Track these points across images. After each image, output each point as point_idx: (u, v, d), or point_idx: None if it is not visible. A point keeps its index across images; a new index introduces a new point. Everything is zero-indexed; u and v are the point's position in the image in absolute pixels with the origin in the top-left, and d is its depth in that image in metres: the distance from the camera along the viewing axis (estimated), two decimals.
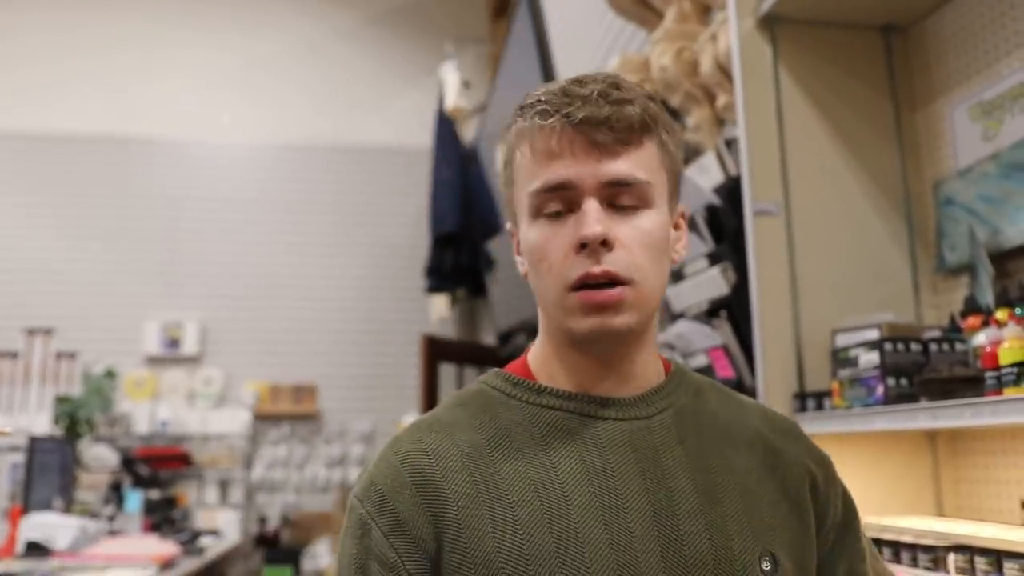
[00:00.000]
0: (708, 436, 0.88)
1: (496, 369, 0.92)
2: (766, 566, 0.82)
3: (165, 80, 6.45)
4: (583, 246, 0.80)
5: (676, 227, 0.90)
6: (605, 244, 0.80)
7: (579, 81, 0.84)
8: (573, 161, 0.81)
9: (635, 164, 0.83)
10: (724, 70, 2.20)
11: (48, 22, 6.43)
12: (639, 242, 0.82)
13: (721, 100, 2.28)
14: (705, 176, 2.17)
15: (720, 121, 2.40)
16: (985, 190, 1.73)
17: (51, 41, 6.38)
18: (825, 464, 0.94)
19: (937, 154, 1.91)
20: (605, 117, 0.81)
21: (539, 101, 0.84)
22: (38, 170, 6.28)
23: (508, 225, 0.93)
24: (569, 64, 4.04)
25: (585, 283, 0.81)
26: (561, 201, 0.82)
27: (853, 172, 1.92)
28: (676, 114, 2.71)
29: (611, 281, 0.81)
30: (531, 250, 0.84)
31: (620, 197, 0.82)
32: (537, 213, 0.84)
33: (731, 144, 2.14)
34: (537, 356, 0.91)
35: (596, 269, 0.80)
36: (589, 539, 0.78)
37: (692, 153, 2.46)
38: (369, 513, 0.81)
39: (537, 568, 0.76)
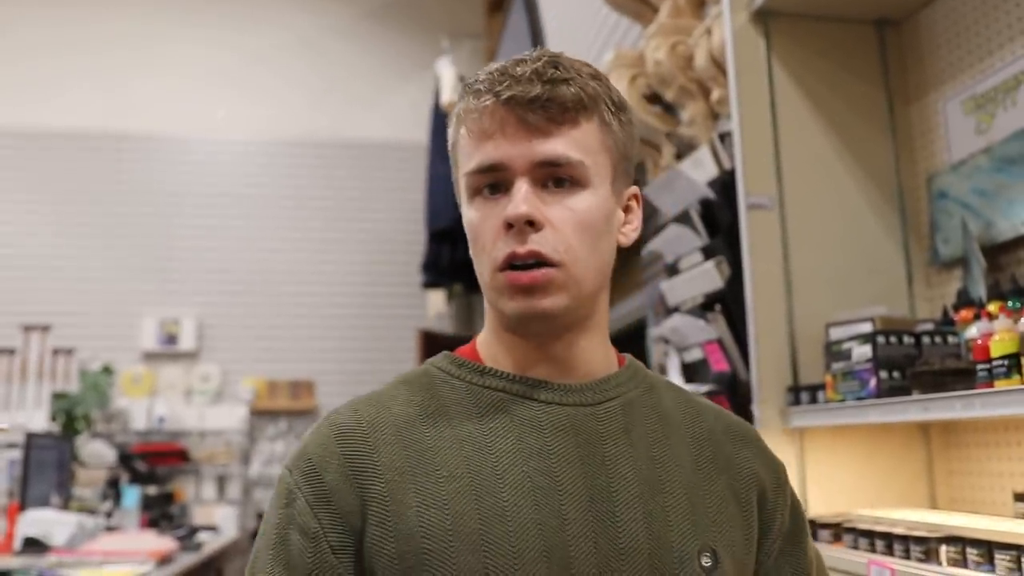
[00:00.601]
0: (656, 429, 0.86)
1: (446, 352, 0.91)
2: (706, 562, 0.80)
3: (161, 76, 6.44)
4: (510, 226, 0.79)
5: (626, 209, 0.88)
6: (532, 224, 0.79)
7: (519, 60, 0.83)
8: (504, 141, 0.80)
9: (569, 144, 0.80)
10: (718, 64, 2.21)
11: (45, 18, 6.42)
12: (571, 223, 0.80)
13: (715, 94, 2.28)
14: (700, 170, 2.17)
15: (715, 115, 2.40)
16: (978, 183, 1.74)
17: (48, 37, 6.37)
18: (777, 472, 0.92)
19: (930, 148, 1.91)
20: (535, 96, 0.79)
21: (476, 81, 0.83)
22: (35, 166, 6.28)
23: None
24: None
25: (512, 263, 0.79)
26: (494, 181, 0.81)
27: (847, 166, 1.92)
28: (671, 108, 2.72)
29: (538, 262, 0.79)
30: (468, 231, 0.84)
31: (553, 177, 0.81)
32: (473, 194, 0.83)
33: (725, 138, 2.14)
34: (483, 339, 0.90)
35: (521, 249, 0.79)
36: (516, 518, 0.76)
37: (687, 147, 2.46)
38: (296, 482, 0.80)
39: (459, 545, 0.75)
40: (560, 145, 0.80)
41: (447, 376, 0.87)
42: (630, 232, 0.89)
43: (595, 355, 0.87)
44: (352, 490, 0.78)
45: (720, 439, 0.90)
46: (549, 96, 0.80)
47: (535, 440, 0.81)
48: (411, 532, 0.76)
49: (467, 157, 0.83)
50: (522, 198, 0.79)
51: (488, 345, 0.88)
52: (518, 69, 0.81)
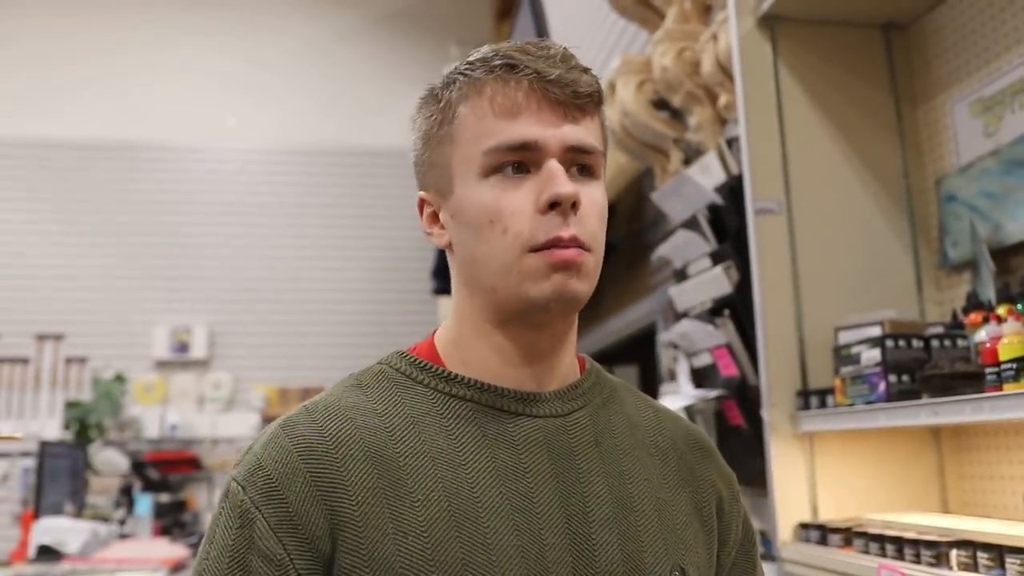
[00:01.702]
0: (624, 440, 0.84)
1: (399, 350, 0.85)
2: None
3: (170, 85, 6.48)
4: (553, 205, 0.75)
5: None
6: (574, 206, 0.76)
7: (535, 44, 0.79)
8: (534, 120, 0.77)
9: (591, 132, 0.80)
10: (725, 69, 2.21)
11: (55, 28, 6.47)
12: (594, 212, 0.78)
13: (722, 99, 2.29)
14: (707, 175, 2.17)
15: (722, 120, 2.40)
16: (986, 186, 1.73)
17: (57, 47, 6.42)
18: (731, 483, 0.92)
19: (939, 151, 1.91)
20: (572, 80, 0.78)
21: (497, 55, 0.79)
22: (46, 177, 6.32)
23: (423, 194, 0.84)
24: None
25: (554, 246, 0.75)
26: (522, 160, 0.77)
27: (855, 170, 1.92)
28: (678, 114, 2.72)
29: (574, 247, 0.76)
30: (479, 211, 0.77)
31: (577, 164, 0.78)
32: (491, 171, 0.77)
33: (732, 143, 2.15)
34: (448, 340, 0.84)
35: (566, 233, 0.75)
36: (499, 546, 0.72)
37: (694, 153, 2.47)
38: (253, 501, 0.72)
39: (441, 575, 0.70)
40: (585, 132, 0.79)
41: (409, 380, 0.81)
42: None
43: (569, 361, 0.85)
44: (320, 512, 0.71)
45: (682, 449, 0.89)
46: (581, 82, 0.78)
47: (509, 457, 0.77)
48: (389, 561, 0.70)
49: (483, 133, 0.77)
50: (566, 179, 0.76)
51: (457, 347, 0.83)
52: (546, 51, 0.78)
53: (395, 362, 0.83)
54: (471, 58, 0.81)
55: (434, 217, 0.84)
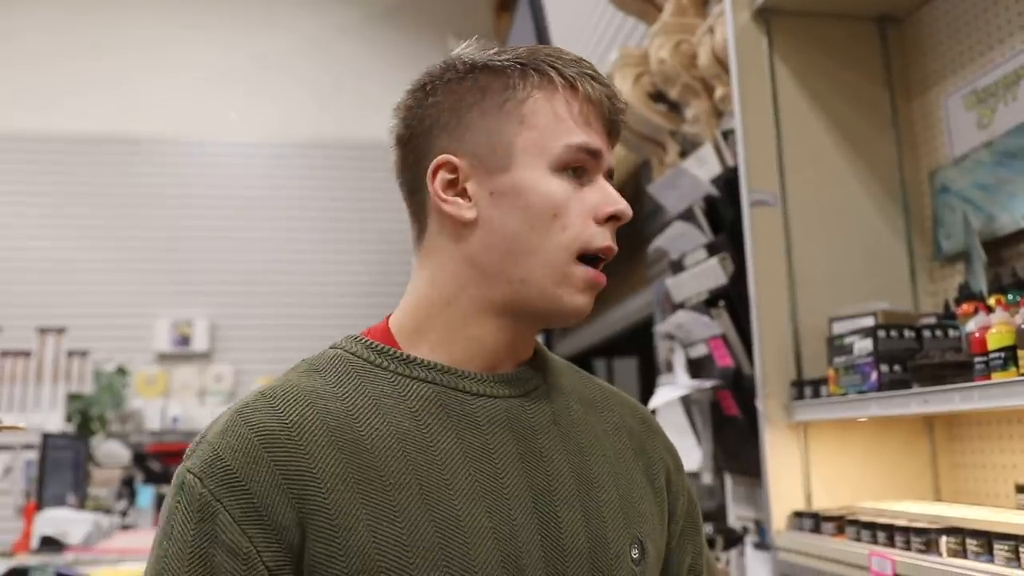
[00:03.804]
0: (579, 418, 0.85)
1: (352, 335, 0.84)
2: (635, 554, 0.80)
3: (172, 79, 6.48)
4: (611, 218, 0.80)
5: None
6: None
7: (596, 71, 0.83)
8: (596, 135, 0.81)
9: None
10: (722, 62, 2.22)
11: (57, 23, 6.47)
12: None
13: (719, 92, 2.30)
14: (703, 167, 2.19)
15: (718, 113, 2.42)
16: (980, 178, 1.75)
17: (59, 42, 6.42)
18: (676, 455, 0.94)
19: (933, 143, 1.92)
20: (620, 111, 0.83)
21: (581, 63, 0.82)
22: (47, 171, 6.33)
23: (450, 157, 0.80)
24: None
25: (596, 255, 0.79)
26: (585, 166, 0.80)
27: (849, 162, 1.93)
28: (675, 106, 2.73)
29: (606, 263, 0.81)
30: (545, 201, 0.77)
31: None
32: (561, 167, 0.79)
33: (728, 136, 2.16)
34: (408, 326, 0.82)
35: (615, 245, 0.80)
36: (473, 528, 0.72)
37: (691, 145, 2.48)
38: (214, 493, 0.69)
39: (418, 560, 0.69)
40: (613, 160, 0.85)
41: (367, 364, 0.79)
42: None
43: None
44: (287, 501, 0.69)
45: (631, 424, 0.91)
46: (622, 113, 0.84)
47: (475, 438, 0.76)
48: (363, 548, 0.69)
49: (565, 130, 0.79)
50: (620, 198, 0.81)
51: (420, 331, 0.81)
52: (604, 82, 0.83)
53: (350, 346, 0.82)
54: (557, 53, 0.82)
55: (452, 185, 0.80)
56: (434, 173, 0.81)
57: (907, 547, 1.40)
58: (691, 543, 0.93)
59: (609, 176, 0.83)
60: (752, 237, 1.84)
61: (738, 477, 2.31)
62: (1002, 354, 1.24)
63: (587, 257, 0.79)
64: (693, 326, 2.15)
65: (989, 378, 1.27)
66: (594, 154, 0.80)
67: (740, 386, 2.03)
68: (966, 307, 1.54)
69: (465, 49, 0.84)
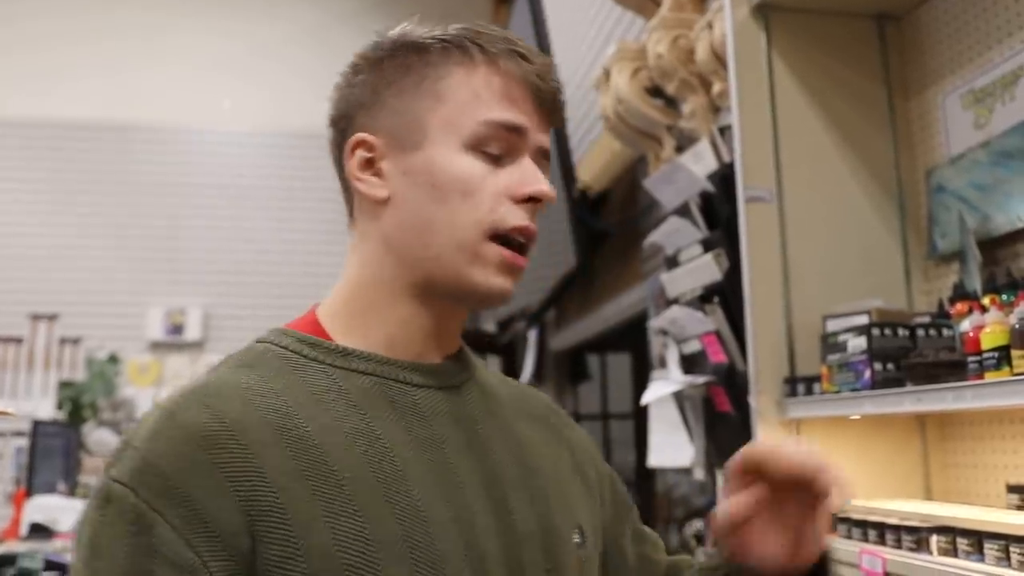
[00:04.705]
0: (508, 409, 0.85)
1: (278, 328, 0.80)
2: (576, 539, 0.80)
3: (168, 67, 6.46)
4: (531, 200, 0.77)
5: None
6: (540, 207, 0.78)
7: (521, 41, 0.81)
8: (522, 114, 0.78)
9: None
10: (719, 58, 2.22)
11: (52, 8, 6.43)
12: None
13: (716, 88, 2.30)
14: (699, 163, 2.18)
15: (715, 108, 2.41)
16: (976, 178, 1.75)
17: (54, 27, 6.39)
18: (591, 441, 0.95)
19: (929, 142, 1.92)
20: (556, 90, 0.81)
21: (508, 40, 0.80)
22: (42, 157, 6.31)
23: (365, 135, 0.80)
24: (567, 52, 4.05)
25: (510, 237, 0.76)
26: (506, 144, 0.77)
27: (846, 159, 1.93)
28: (672, 101, 2.73)
29: (525, 245, 0.78)
30: (454, 179, 0.75)
31: (539, 168, 0.80)
32: (475, 144, 0.76)
33: (725, 131, 2.16)
34: (339, 313, 0.80)
35: (532, 225, 0.77)
36: (433, 518, 0.69)
37: (687, 140, 2.48)
38: (149, 503, 0.63)
39: (382, 554, 0.66)
40: (548, 141, 0.82)
41: (301, 359, 0.75)
42: None
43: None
44: (233, 505, 0.64)
45: (547, 415, 0.91)
46: (557, 93, 0.81)
47: (422, 429, 0.74)
48: (324, 546, 0.64)
49: (483, 106, 0.76)
50: (543, 178, 0.78)
51: (352, 318, 0.79)
52: (540, 58, 0.80)
53: (279, 340, 0.77)
54: (479, 29, 0.81)
55: (369, 164, 0.80)
56: (352, 152, 0.81)
57: (898, 545, 1.40)
58: (629, 526, 0.94)
59: (544, 156, 0.80)
60: (747, 233, 1.84)
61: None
62: (996, 354, 1.24)
63: (504, 238, 0.76)
64: (687, 322, 2.15)
65: (982, 378, 1.27)
66: (517, 131, 0.77)
67: (733, 382, 2.03)
68: (960, 306, 1.54)
69: (405, 27, 0.84)
